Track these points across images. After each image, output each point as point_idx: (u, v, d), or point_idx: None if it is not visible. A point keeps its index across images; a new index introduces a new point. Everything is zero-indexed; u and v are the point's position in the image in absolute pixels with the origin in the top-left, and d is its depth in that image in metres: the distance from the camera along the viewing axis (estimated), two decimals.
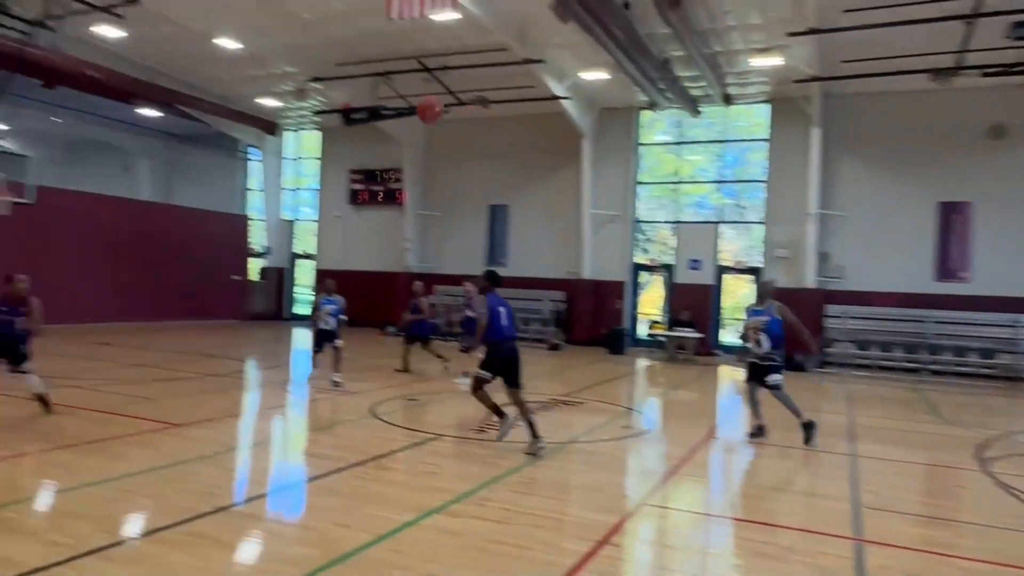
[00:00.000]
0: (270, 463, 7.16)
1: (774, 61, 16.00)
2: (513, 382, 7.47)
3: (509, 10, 15.21)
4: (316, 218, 25.94)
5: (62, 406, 8.45)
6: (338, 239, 24.99)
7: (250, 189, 27.78)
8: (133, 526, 4.98)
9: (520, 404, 7.48)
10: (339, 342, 11.29)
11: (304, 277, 26.93)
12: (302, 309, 26.39)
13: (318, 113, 22.60)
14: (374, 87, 18.29)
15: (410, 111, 17.97)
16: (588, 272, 20.88)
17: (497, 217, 22.39)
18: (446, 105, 17.26)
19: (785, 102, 18.53)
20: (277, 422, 9.18)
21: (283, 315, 26.40)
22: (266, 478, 6.60)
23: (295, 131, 26.39)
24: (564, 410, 10.11)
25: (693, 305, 19.53)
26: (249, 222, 26.54)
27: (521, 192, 22.11)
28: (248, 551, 4.68)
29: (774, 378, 8.29)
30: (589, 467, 7.18)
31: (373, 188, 24.42)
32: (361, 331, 22.83)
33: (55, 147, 26.84)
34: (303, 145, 26.69)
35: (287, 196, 26.83)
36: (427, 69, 17.79)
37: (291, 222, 26.79)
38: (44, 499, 5.51)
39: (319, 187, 25.82)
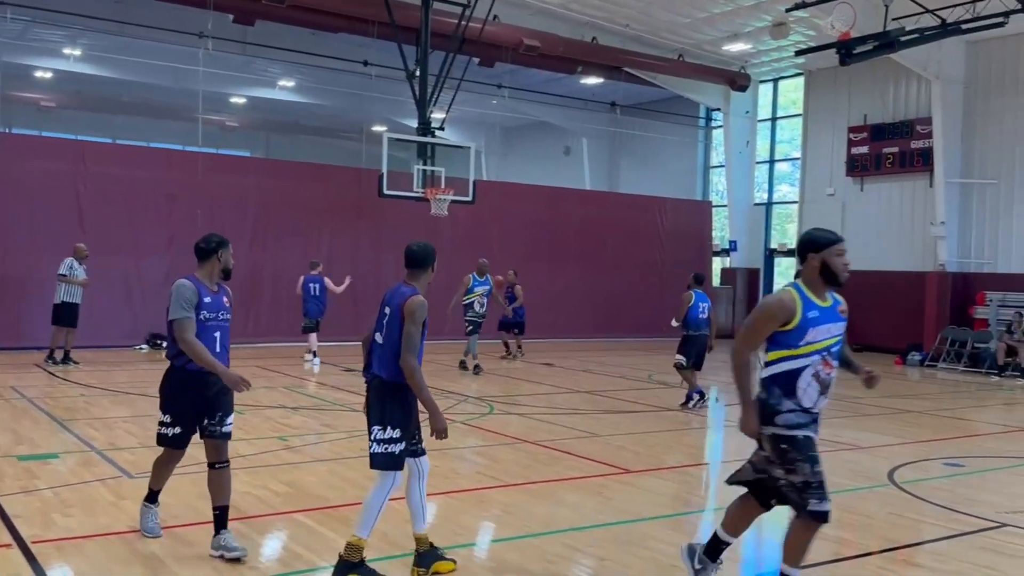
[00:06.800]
0: (745, 537, 7.02)
1: None
2: None
3: None
4: (799, 199, 25.61)
5: (504, 436, 9.68)
6: (833, 226, 24.17)
7: (714, 167, 28.72)
8: None
9: None
10: None
11: (784, 280, 26.78)
12: None
13: (801, 53, 22.24)
14: (885, 4, 17.27)
15: (945, 30, 16.59)
16: None
17: None
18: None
19: None
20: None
21: None
22: (739, 555, 6.45)
23: (771, 81, 26.48)
24: None
25: None
26: (713, 209, 27.48)
27: None
28: None
29: None
30: None
31: (885, 150, 23.07)
32: (871, 357, 21.76)
33: (492, 134, 31.37)
34: (781, 100, 26.65)
35: (760, 173, 27.06)
36: None
37: (765, 207, 26.94)
38: (489, 547, 6.24)
39: (802, 156, 25.45)
